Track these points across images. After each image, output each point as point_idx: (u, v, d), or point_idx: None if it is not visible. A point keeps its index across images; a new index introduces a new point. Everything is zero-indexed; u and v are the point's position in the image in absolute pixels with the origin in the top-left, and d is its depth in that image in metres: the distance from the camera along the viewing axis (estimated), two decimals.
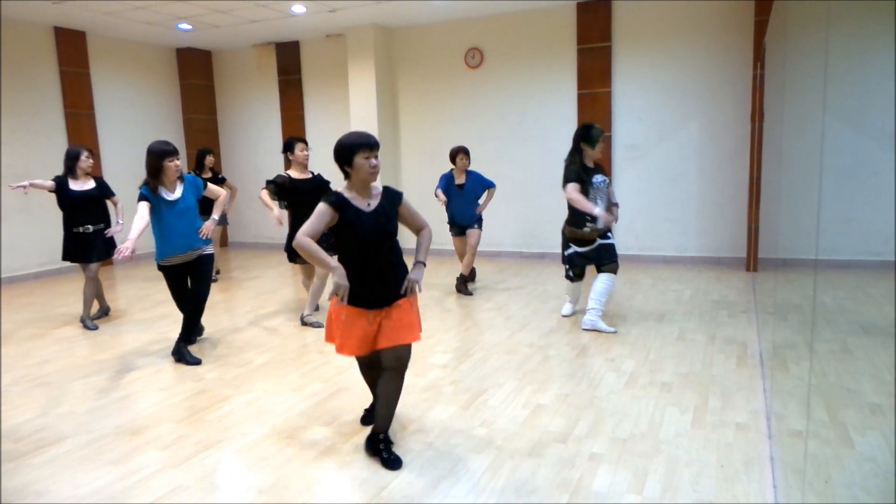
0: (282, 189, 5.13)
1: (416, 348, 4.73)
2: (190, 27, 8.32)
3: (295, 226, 5.11)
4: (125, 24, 8.04)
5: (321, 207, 2.83)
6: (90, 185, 5.41)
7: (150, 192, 4.22)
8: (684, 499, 2.58)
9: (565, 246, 5.06)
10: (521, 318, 5.42)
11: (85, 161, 5.36)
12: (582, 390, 3.77)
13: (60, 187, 5.30)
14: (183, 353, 4.49)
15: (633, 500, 2.59)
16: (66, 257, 5.45)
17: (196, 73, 9.94)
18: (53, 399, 3.88)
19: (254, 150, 10.13)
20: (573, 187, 4.67)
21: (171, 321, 5.49)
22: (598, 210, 4.60)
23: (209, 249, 4.53)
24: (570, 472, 2.82)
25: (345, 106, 9.10)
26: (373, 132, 8.59)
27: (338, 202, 2.83)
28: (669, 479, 2.74)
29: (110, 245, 5.51)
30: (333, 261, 2.86)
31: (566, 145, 7.94)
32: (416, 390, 3.84)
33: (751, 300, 5.83)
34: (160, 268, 4.46)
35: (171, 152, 4.21)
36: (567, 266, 5.13)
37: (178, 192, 4.31)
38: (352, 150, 2.81)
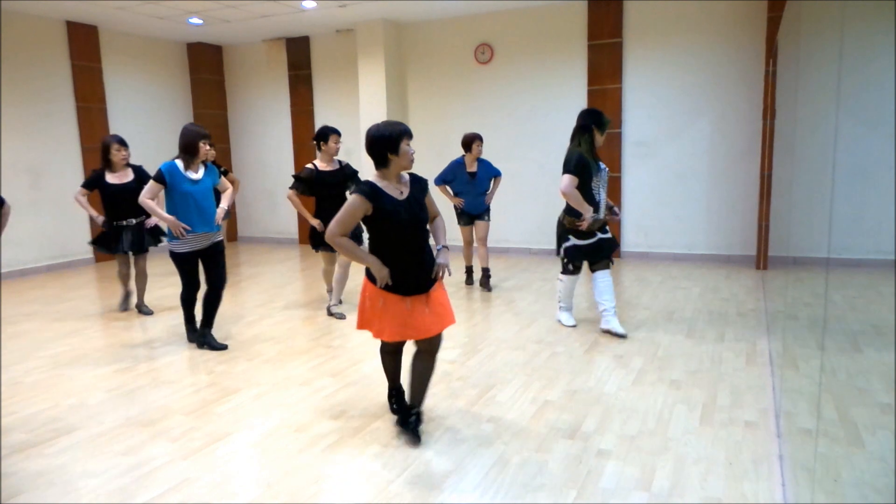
0: (307, 183, 5.17)
1: None
2: (201, 22, 8.35)
3: (321, 216, 5.17)
4: (136, 19, 8.08)
5: (354, 199, 2.85)
6: (129, 177, 5.47)
7: (174, 168, 4.38)
8: (692, 496, 2.58)
9: (562, 238, 4.73)
10: (530, 314, 5.42)
11: (117, 153, 5.39)
12: (590, 387, 3.77)
13: (98, 181, 5.43)
14: (208, 338, 4.67)
15: (640, 496, 2.59)
16: (100, 245, 5.57)
17: (206, 68, 9.97)
18: (65, 390, 3.92)
19: (263, 145, 10.16)
20: (570, 181, 4.40)
21: (180, 315, 5.53)
22: (590, 215, 4.48)
23: (221, 236, 4.68)
24: (577, 468, 2.83)
25: (355, 101, 9.11)
26: None
27: (371, 192, 2.86)
28: (677, 476, 2.73)
29: (149, 235, 5.62)
30: (370, 256, 2.94)
31: None
32: None
33: (760, 298, 5.80)
34: (173, 255, 4.51)
35: (206, 135, 4.49)
36: (565, 260, 4.79)
37: (200, 174, 4.54)
38: (399, 136, 2.87)
